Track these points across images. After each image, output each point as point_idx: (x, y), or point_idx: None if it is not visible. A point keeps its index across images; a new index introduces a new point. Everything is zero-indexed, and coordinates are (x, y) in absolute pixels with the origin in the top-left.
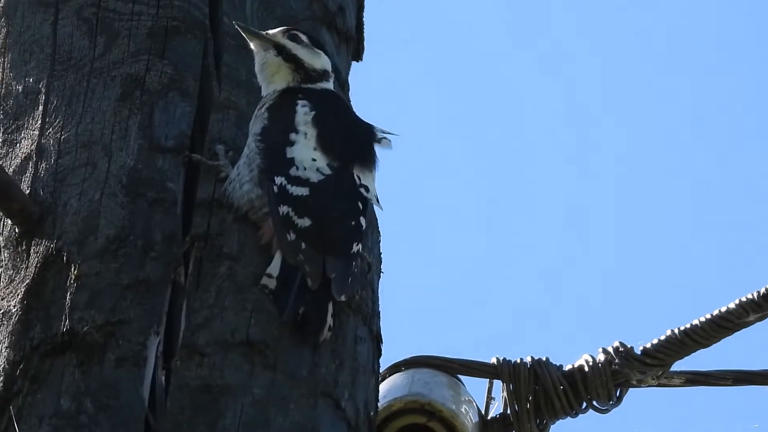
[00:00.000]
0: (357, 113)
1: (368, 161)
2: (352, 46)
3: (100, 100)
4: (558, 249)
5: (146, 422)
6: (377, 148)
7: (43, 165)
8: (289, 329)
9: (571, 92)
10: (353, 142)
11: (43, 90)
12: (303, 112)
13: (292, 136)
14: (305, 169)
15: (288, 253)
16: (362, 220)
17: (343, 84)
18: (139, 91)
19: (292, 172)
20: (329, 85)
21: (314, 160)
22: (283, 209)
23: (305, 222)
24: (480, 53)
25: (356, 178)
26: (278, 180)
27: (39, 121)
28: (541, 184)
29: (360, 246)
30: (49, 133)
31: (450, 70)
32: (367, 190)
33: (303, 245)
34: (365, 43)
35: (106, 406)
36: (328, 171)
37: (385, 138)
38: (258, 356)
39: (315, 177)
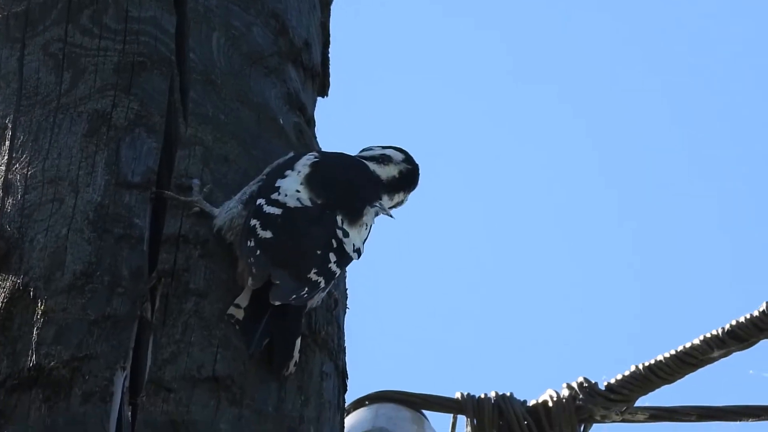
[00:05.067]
0: (370, 175)
1: (356, 213)
2: (318, 81)
3: (66, 136)
4: (522, 284)
5: None
6: (371, 210)
7: (10, 200)
8: (256, 365)
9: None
10: (346, 193)
11: (10, 125)
12: (306, 159)
13: (287, 172)
14: (286, 195)
15: (242, 257)
16: (331, 256)
17: (309, 120)
18: (105, 126)
19: (273, 196)
20: (367, 162)
21: (298, 191)
22: (252, 222)
23: (267, 234)
24: (444, 84)
25: (339, 220)
26: (259, 201)
27: (5, 157)
28: (503, 220)
29: (320, 277)
30: (16, 168)
31: (415, 105)
32: (345, 234)
33: (258, 252)
34: (330, 78)
35: None
36: (308, 203)
37: (380, 209)
38: (224, 392)
39: (292, 203)
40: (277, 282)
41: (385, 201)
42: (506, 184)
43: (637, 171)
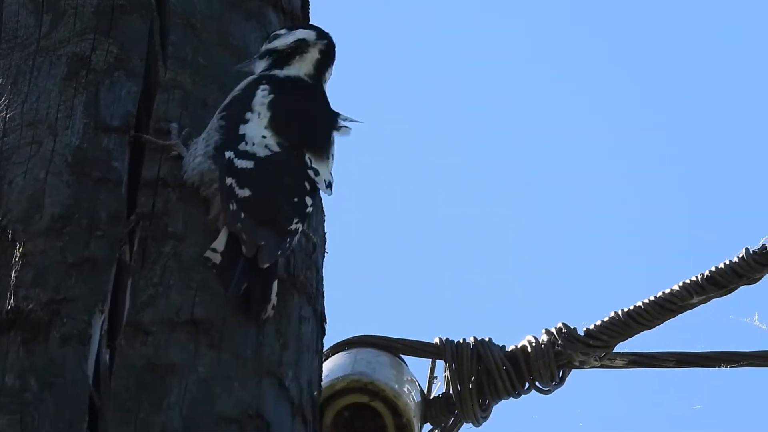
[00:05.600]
0: (325, 99)
1: (322, 147)
2: (298, 25)
3: (45, 79)
4: (502, 230)
5: (90, 400)
6: (336, 135)
7: None
8: (234, 308)
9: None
10: (309, 127)
11: None
12: (261, 95)
13: (248, 115)
14: (254, 144)
15: (229, 221)
16: (307, 200)
17: None
18: (84, 70)
19: (241, 147)
20: (299, 70)
21: (264, 137)
22: (228, 181)
23: (245, 192)
24: (419, 35)
25: (307, 160)
26: (228, 154)
27: None
28: (486, 167)
29: (300, 224)
30: None
31: (396, 49)
32: (316, 173)
33: (242, 215)
34: (311, 22)
35: (50, 384)
36: (276, 149)
37: (344, 127)
38: (203, 335)
39: (262, 152)
40: (262, 243)
41: (324, 83)
42: (484, 125)
43: (615, 114)
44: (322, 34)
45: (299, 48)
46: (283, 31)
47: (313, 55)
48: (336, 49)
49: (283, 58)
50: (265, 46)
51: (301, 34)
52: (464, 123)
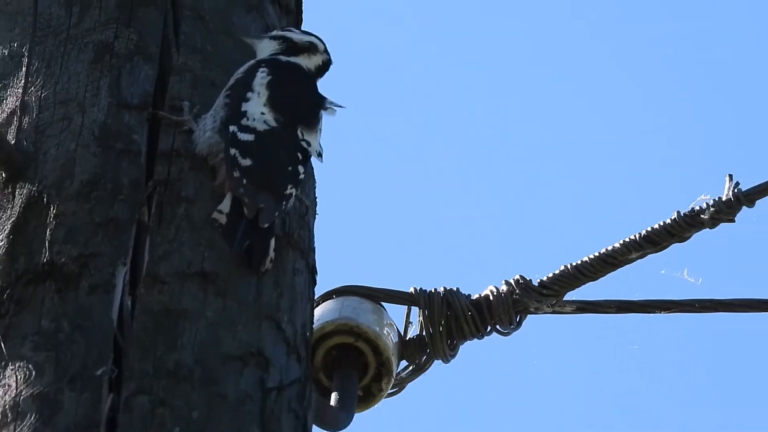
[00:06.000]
0: (316, 86)
1: (312, 121)
2: (292, 17)
3: (75, 63)
4: (465, 191)
5: (115, 340)
6: (323, 113)
7: (26, 119)
8: (238, 262)
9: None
10: (301, 105)
11: (26, 54)
12: (261, 77)
13: (249, 94)
14: (254, 120)
15: (233, 187)
16: (300, 168)
17: None
18: (108, 55)
19: (243, 122)
20: (303, 62)
21: (263, 114)
22: (232, 151)
23: (247, 162)
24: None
25: (300, 133)
26: (232, 128)
27: (22, 81)
28: (450, 130)
29: (294, 189)
30: (31, 91)
31: (384, 41)
32: (308, 144)
33: (244, 181)
34: (303, 15)
35: (80, 327)
36: (273, 123)
37: (331, 107)
38: (211, 285)
39: (261, 127)
40: (262, 206)
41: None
42: (449, 96)
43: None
44: (327, 50)
45: (311, 48)
46: (297, 30)
47: (317, 59)
48: (331, 61)
49: (295, 48)
50: (279, 32)
51: (314, 40)
52: (428, 97)
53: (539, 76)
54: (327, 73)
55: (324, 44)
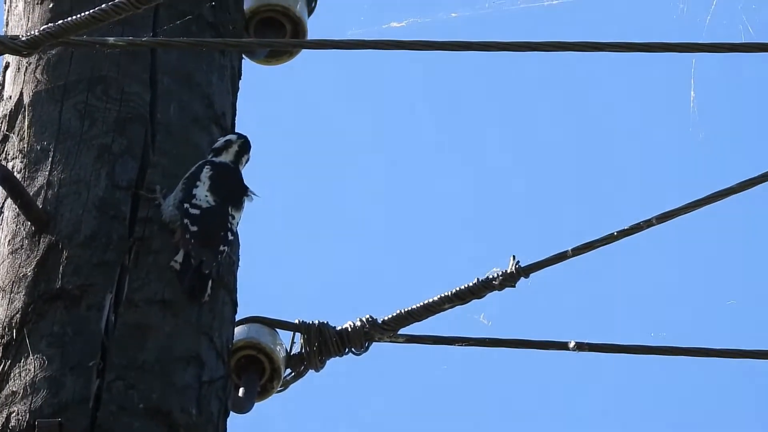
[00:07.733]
0: (240, 176)
1: (238, 203)
2: (229, 133)
3: (84, 157)
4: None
5: (102, 343)
6: (245, 199)
7: (50, 192)
8: (186, 295)
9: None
10: (232, 191)
11: (52, 149)
12: (205, 172)
13: (197, 183)
14: (200, 200)
15: (185, 245)
16: (230, 234)
17: None
18: (107, 154)
19: (193, 201)
20: (225, 158)
21: (206, 196)
22: (185, 221)
23: (195, 228)
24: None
25: (230, 210)
26: (185, 205)
27: (49, 167)
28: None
29: (226, 248)
30: (54, 174)
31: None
32: (233, 218)
33: (192, 241)
34: (236, 129)
35: (79, 332)
36: (213, 203)
37: (250, 196)
38: (168, 309)
39: (205, 205)
40: (204, 258)
41: (241, 166)
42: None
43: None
44: (240, 137)
45: (226, 146)
46: (221, 138)
47: (233, 149)
48: (250, 143)
49: (218, 151)
50: (212, 147)
51: (229, 137)
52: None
53: None
54: (249, 150)
55: (238, 135)
